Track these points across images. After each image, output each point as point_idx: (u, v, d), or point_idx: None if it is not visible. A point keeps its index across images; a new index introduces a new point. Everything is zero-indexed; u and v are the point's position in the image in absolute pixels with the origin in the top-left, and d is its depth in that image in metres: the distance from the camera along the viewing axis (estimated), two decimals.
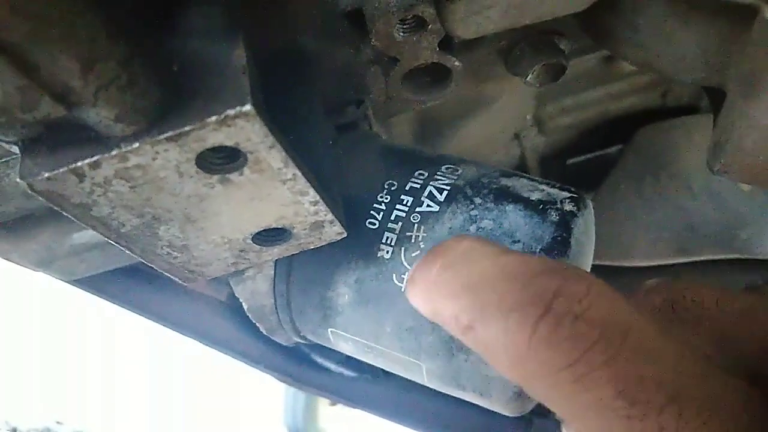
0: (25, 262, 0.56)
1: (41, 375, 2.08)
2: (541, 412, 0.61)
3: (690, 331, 0.29)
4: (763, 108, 0.36)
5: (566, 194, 0.43)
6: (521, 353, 0.23)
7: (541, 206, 0.42)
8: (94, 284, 0.65)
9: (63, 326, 2.11)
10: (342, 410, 1.79)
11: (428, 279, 0.26)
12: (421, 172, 0.45)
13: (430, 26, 0.42)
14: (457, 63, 0.45)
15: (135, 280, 0.69)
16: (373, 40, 0.42)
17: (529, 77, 0.51)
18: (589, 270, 0.48)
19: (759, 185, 0.43)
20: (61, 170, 0.30)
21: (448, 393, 0.47)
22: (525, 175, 0.46)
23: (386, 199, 0.44)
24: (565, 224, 0.41)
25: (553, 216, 0.41)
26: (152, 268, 0.42)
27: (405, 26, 0.42)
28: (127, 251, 0.38)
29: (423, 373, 0.45)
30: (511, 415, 0.45)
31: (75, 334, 2.11)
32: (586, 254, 0.45)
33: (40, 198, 0.31)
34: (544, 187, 0.44)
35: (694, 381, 0.23)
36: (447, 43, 0.44)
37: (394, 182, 0.45)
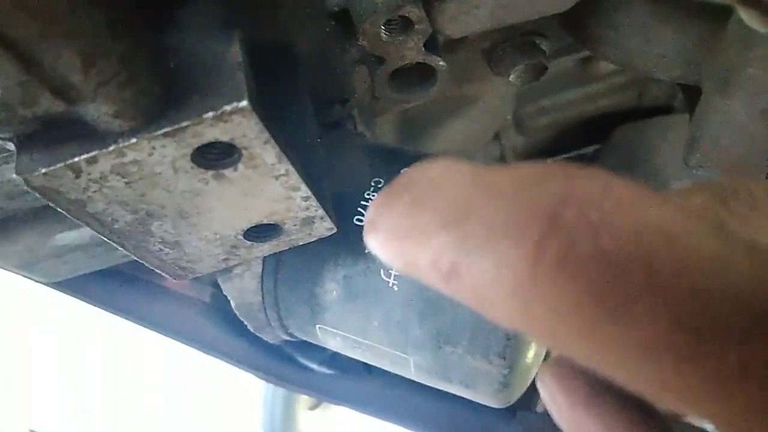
0: (6, 265, 0.55)
1: (13, 381, 2.05)
2: (524, 404, 0.62)
3: (751, 229, 0.21)
4: (737, 104, 0.38)
5: None
6: (524, 291, 0.16)
7: None
8: (76, 287, 0.64)
9: (33, 332, 2.08)
10: (321, 414, 1.79)
11: (393, 221, 0.19)
12: (407, 170, 0.46)
13: (416, 27, 0.42)
14: (441, 63, 0.46)
15: (117, 282, 0.68)
16: (359, 40, 0.43)
17: (511, 76, 0.52)
18: None
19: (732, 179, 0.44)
20: (58, 166, 0.30)
21: (434, 386, 0.48)
22: None
23: (373, 196, 0.45)
24: None
25: None
26: (135, 268, 0.42)
27: (391, 27, 0.43)
28: (119, 248, 0.38)
29: (411, 366, 0.46)
30: (496, 407, 0.46)
31: (47, 339, 2.08)
32: None
33: (26, 195, 0.31)
34: None
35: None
36: (432, 44, 0.45)
37: (381, 180, 0.46)
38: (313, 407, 1.80)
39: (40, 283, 0.60)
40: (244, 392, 1.81)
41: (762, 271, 0.16)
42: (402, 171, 0.45)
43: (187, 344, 0.72)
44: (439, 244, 0.18)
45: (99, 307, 0.69)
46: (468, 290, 0.18)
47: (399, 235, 0.19)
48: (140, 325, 0.71)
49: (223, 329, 0.71)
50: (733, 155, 0.41)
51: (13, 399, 2.03)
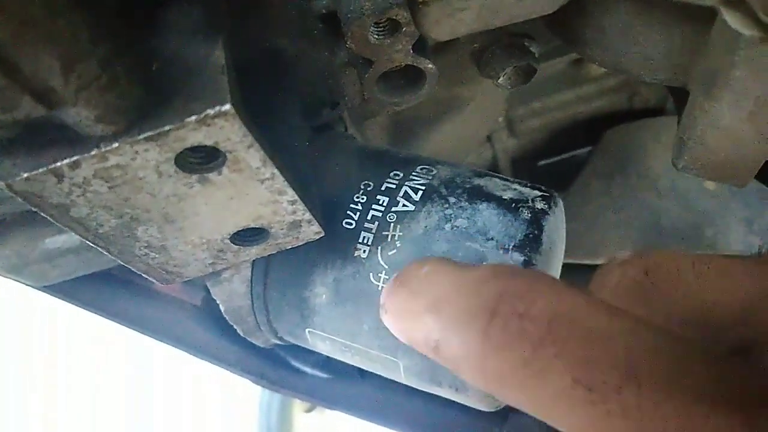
0: None
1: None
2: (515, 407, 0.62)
3: (669, 301, 0.28)
4: (724, 106, 0.38)
5: (537, 193, 0.45)
6: (480, 362, 0.23)
7: (514, 204, 0.43)
8: (66, 290, 0.64)
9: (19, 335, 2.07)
10: (317, 417, 1.79)
11: (397, 307, 0.27)
12: (396, 172, 0.46)
13: (404, 29, 0.42)
14: (430, 65, 0.46)
15: (108, 285, 0.68)
16: (347, 42, 0.43)
17: (500, 79, 0.52)
18: (560, 267, 0.49)
19: (721, 181, 0.44)
20: (40, 171, 0.30)
21: (425, 390, 0.47)
22: (497, 174, 0.47)
23: (362, 199, 0.45)
24: (536, 222, 0.42)
25: (525, 214, 0.42)
26: (125, 272, 0.41)
27: (379, 29, 0.43)
28: (104, 252, 0.38)
29: (400, 370, 0.46)
30: (486, 410, 0.46)
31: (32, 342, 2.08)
32: (557, 251, 0.46)
33: (14, 199, 0.31)
34: (516, 186, 0.45)
35: (649, 355, 0.22)
36: (421, 46, 0.45)
37: (370, 183, 0.46)
38: (309, 410, 1.80)
39: (30, 286, 0.59)
40: (239, 395, 1.81)
41: (638, 342, 0.22)
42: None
43: (178, 348, 0.72)
44: (427, 326, 0.25)
45: (90, 310, 0.69)
46: (447, 360, 0.25)
47: (401, 317, 0.27)
48: (131, 328, 0.70)
49: (215, 333, 0.71)
50: (721, 157, 0.41)
51: (13, 399, 2.03)
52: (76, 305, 0.68)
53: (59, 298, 0.66)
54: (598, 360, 0.22)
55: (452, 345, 0.24)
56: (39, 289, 0.60)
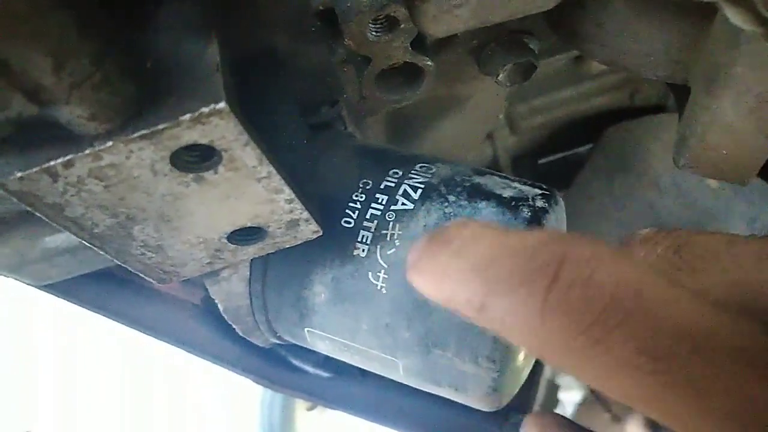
0: None
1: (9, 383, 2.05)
2: (516, 407, 0.62)
3: (699, 279, 0.28)
4: (725, 103, 0.37)
5: (538, 191, 0.44)
6: (535, 325, 0.23)
7: (514, 203, 0.43)
8: (66, 289, 0.64)
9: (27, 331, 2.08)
10: (319, 416, 1.79)
11: (437, 267, 0.26)
12: (395, 170, 0.46)
13: (402, 26, 0.42)
14: (429, 63, 0.46)
15: (108, 284, 0.68)
16: (345, 39, 0.43)
17: (500, 76, 0.51)
18: None
19: (722, 179, 0.44)
20: (34, 170, 0.29)
21: (424, 390, 0.47)
22: (497, 173, 0.47)
23: (361, 198, 0.45)
24: (537, 220, 0.42)
25: (525, 212, 0.42)
26: (126, 271, 0.41)
27: (377, 26, 0.43)
28: (101, 252, 0.38)
29: (400, 369, 0.45)
30: (486, 410, 0.46)
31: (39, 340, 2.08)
32: None
33: (13, 198, 0.31)
34: (516, 184, 0.45)
35: (714, 328, 0.22)
36: (419, 43, 0.45)
37: (369, 181, 0.45)
38: (311, 408, 1.80)
39: (29, 285, 0.59)
40: (241, 392, 1.81)
41: (702, 315, 0.22)
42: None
43: (179, 347, 0.72)
44: (474, 286, 0.24)
45: (89, 309, 0.69)
46: (494, 321, 0.24)
47: (443, 277, 0.26)
48: (132, 327, 0.70)
49: (215, 332, 0.71)
50: (722, 155, 0.41)
51: (11, 399, 2.03)
52: (76, 304, 0.68)
53: (59, 297, 0.66)
54: (663, 330, 0.22)
55: (503, 305, 0.24)
56: (39, 288, 0.60)
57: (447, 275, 0.26)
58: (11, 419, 2.04)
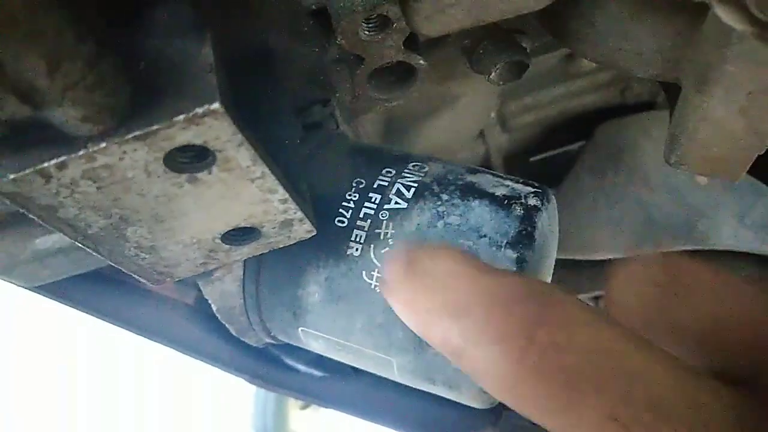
0: None
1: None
2: None
3: (687, 311, 0.28)
4: (715, 101, 0.38)
5: (530, 189, 0.44)
6: (510, 382, 0.23)
7: (506, 201, 0.43)
8: (58, 291, 0.64)
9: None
10: (312, 414, 1.79)
11: (411, 297, 0.26)
12: (388, 170, 0.46)
13: (395, 25, 0.42)
14: (421, 61, 0.46)
15: (100, 285, 0.68)
16: (338, 39, 0.43)
17: (492, 75, 0.52)
18: (553, 263, 0.49)
19: (713, 176, 0.44)
20: (27, 171, 0.29)
21: (418, 388, 0.47)
22: (490, 171, 0.47)
23: (355, 197, 0.45)
24: (529, 218, 0.42)
25: (518, 210, 0.42)
26: (118, 272, 0.41)
27: (370, 25, 0.43)
28: (94, 253, 0.37)
29: (394, 368, 0.45)
30: (480, 408, 0.46)
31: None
32: (550, 247, 0.46)
33: (5, 200, 0.31)
34: (508, 182, 0.45)
35: (686, 397, 0.22)
36: (412, 42, 0.45)
37: (362, 180, 0.45)
38: (304, 406, 1.80)
39: (21, 287, 0.59)
40: (234, 391, 1.81)
41: (675, 382, 0.23)
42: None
43: (172, 348, 0.72)
44: (448, 330, 0.25)
45: (81, 310, 0.68)
46: (469, 368, 0.25)
47: (417, 310, 0.26)
48: (124, 328, 0.70)
49: (208, 332, 0.71)
50: (713, 152, 0.41)
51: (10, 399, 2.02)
52: (68, 305, 0.67)
53: (51, 298, 0.65)
54: (636, 398, 0.22)
55: (478, 356, 0.24)
56: (30, 289, 0.60)
57: (421, 309, 0.26)
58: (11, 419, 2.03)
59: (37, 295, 0.63)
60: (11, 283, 0.58)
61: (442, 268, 0.26)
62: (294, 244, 0.42)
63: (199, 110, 0.29)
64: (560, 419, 0.23)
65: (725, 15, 0.29)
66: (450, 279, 0.26)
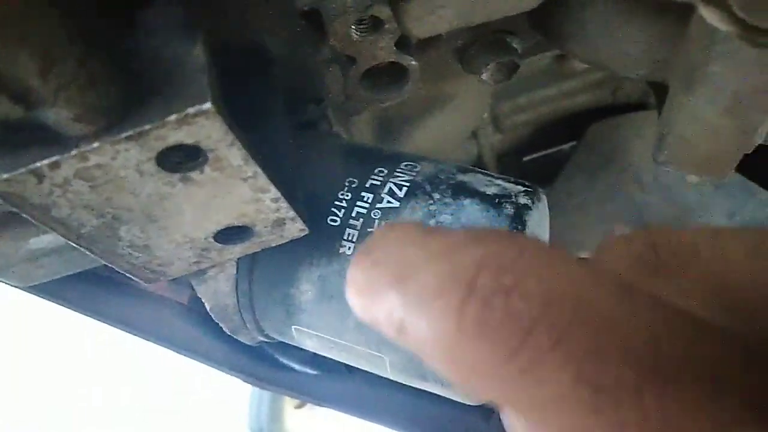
0: None
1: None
2: None
3: (678, 280, 0.22)
4: (702, 101, 0.38)
5: (521, 188, 0.45)
6: (452, 349, 0.18)
7: (497, 200, 0.43)
8: (52, 290, 0.64)
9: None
10: (308, 413, 1.79)
11: (358, 280, 0.21)
12: (381, 169, 0.46)
13: (386, 26, 0.42)
14: (413, 62, 0.46)
15: (93, 284, 0.68)
16: (330, 40, 0.43)
17: (483, 75, 0.52)
18: None
19: (701, 175, 0.45)
20: (20, 171, 0.29)
21: (411, 385, 0.48)
22: (481, 170, 0.48)
23: (347, 196, 0.45)
24: (520, 217, 0.42)
25: (509, 209, 0.43)
26: (112, 271, 0.41)
27: (362, 26, 0.43)
28: (87, 252, 0.38)
29: (386, 365, 0.46)
30: (472, 404, 0.47)
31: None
32: None
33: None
34: (499, 181, 0.46)
35: (679, 347, 0.17)
36: (404, 43, 0.45)
37: (355, 180, 0.46)
38: (299, 406, 1.80)
39: (15, 287, 0.59)
40: (230, 390, 1.80)
41: (664, 331, 0.17)
42: (376, 171, 0.45)
43: (166, 347, 0.72)
44: (390, 303, 0.20)
45: (75, 310, 0.68)
46: (412, 344, 0.19)
47: (362, 292, 0.21)
48: (117, 327, 0.70)
49: (202, 331, 0.71)
50: (700, 152, 0.42)
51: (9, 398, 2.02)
52: (61, 305, 0.67)
53: (44, 298, 0.65)
54: (609, 352, 0.16)
55: (419, 326, 0.19)
56: (24, 289, 0.60)
57: (366, 290, 0.21)
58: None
59: (32, 295, 0.63)
60: (5, 283, 0.58)
61: (389, 237, 0.22)
62: (287, 242, 0.43)
63: (191, 110, 0.29)
64: (515, 391, 0.17)
65: (710, 16, 0.30)
66: (396, 245, 0.21)
